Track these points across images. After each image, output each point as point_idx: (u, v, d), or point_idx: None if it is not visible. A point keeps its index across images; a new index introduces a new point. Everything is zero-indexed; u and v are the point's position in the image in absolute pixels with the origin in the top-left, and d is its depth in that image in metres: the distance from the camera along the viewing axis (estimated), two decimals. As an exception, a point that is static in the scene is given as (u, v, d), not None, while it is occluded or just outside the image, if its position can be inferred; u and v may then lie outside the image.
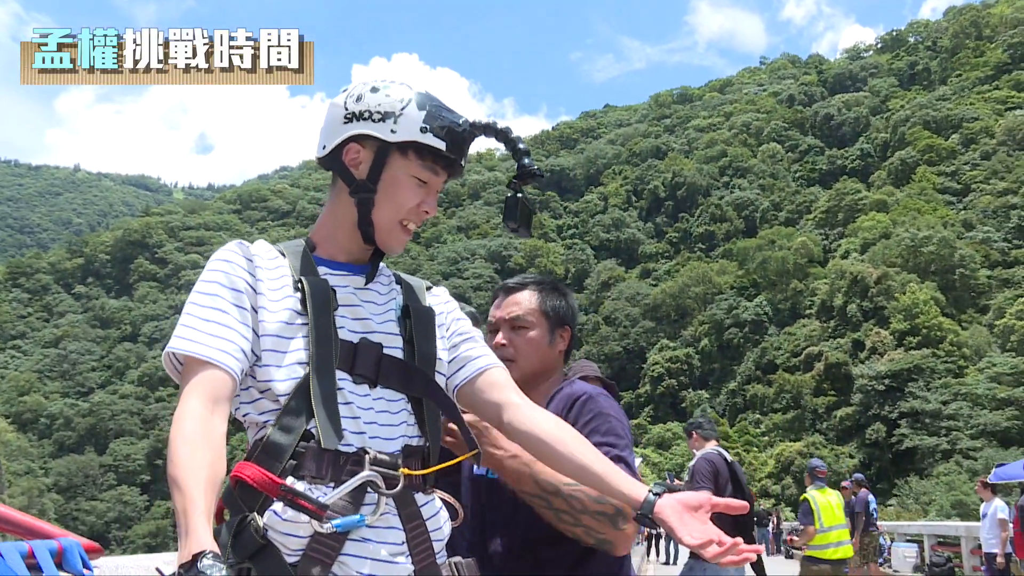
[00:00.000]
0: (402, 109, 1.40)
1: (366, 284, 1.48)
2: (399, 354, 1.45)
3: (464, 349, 1.58)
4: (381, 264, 1.56)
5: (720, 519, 4.37)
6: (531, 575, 1.83)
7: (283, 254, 1.46)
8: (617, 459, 1.74)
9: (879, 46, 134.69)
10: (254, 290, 1.38)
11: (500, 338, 2.00)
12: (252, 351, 1.35)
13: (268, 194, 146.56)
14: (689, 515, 1.33)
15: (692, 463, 5.79)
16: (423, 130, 1.39)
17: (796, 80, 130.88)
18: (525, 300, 2.03)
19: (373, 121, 1.41)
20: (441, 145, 1.40)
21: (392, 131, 1.40)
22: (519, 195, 1.47)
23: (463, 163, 1.46)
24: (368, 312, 1.45)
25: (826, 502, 8.30)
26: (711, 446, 5.68)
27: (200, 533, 1.11)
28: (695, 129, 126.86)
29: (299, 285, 1.39)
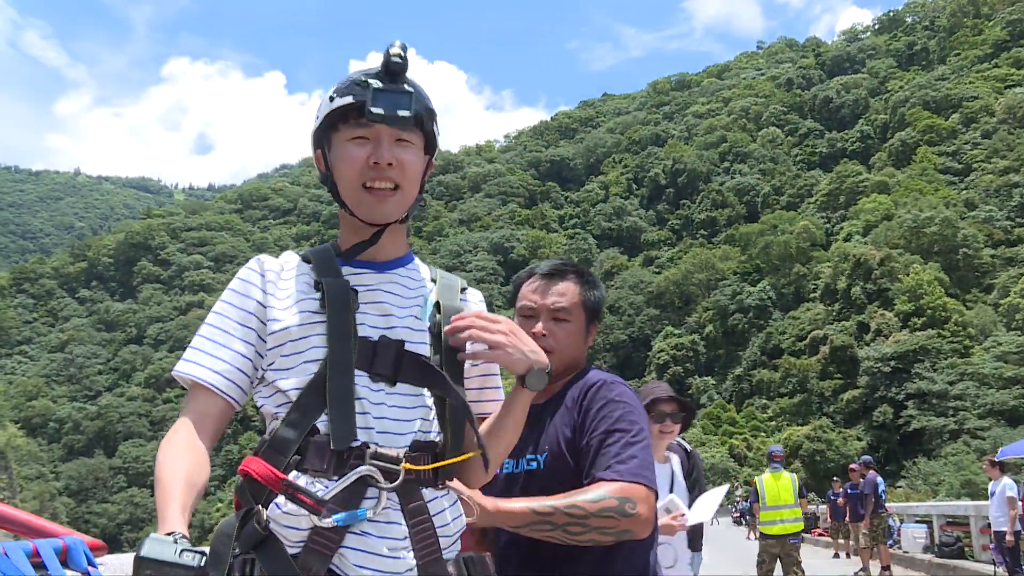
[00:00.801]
0: (326, 99, 1.50)
1: (351, 258, 1.52)
2: (422, 348, 1.47)
3: (485, 381, 1.66)
4: (416, 260, 1.61)
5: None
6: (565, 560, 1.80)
7: (309, 260, 1.52)
8: (627, 445, 1.76)
9: (876, 27, 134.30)
10: (263, 305, 1.47)
11: (540, 327, 1.96)
12: (259, 355, 1.45)
13: (269, 192, 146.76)
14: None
15: None
16: (331, 99, 1.46)
17: (794, 64, 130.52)
18: (570, 291, 2.00)
19: (314, 122, 1.52)
20: (347, 99, 1.44)
21: (317, 118, 1.50)
22: (380, 86, 1.43)
23: (395, 109, 1.41)
24: (392, 307, 1.49)
25: (773, 484, 9.19)
26: None
27: (173, 518, 1.22)
28: (694, 115, 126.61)
29: (319, 286, 1.45)
